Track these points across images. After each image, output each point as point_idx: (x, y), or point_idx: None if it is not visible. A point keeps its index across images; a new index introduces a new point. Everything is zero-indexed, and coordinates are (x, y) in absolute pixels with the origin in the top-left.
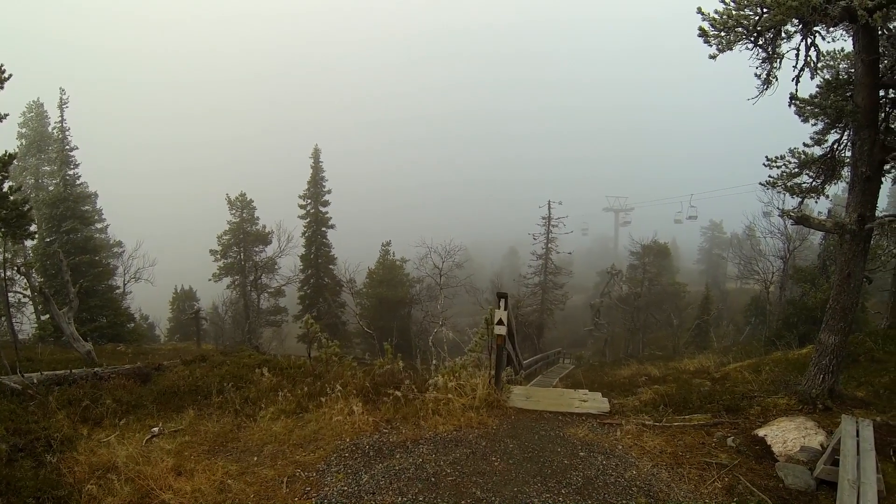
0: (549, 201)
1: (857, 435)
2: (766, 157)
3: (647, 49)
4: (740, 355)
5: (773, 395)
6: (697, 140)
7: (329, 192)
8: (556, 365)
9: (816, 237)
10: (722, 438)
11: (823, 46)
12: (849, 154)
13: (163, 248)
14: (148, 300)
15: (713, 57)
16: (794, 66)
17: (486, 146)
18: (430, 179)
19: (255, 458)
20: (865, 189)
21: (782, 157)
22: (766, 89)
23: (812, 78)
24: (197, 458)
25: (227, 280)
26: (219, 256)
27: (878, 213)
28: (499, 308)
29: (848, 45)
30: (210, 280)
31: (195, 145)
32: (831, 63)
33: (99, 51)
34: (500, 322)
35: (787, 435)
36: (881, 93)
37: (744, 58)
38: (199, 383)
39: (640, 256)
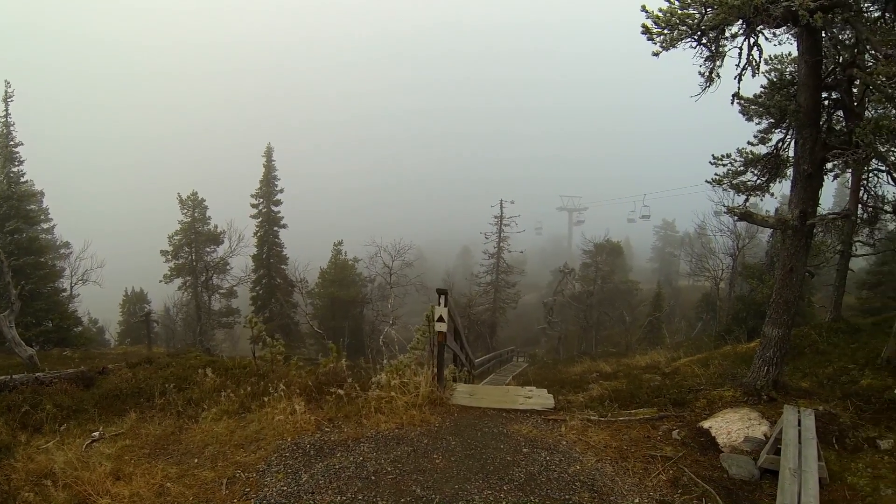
0: (501, 200)
1: (799, 424)
2: (713, 155)
3: (607, 50)
4: (691, 350)
5: (719, 387)
6: (654, 140)
7: (281, 191)
8: (510, 363)
9: (765, 235)
10: (667, 431)
11: (771, 50)
12: (792, 153)
13: (114, 248)
14: (97, 303)
15: (656, 54)
16: (738, 65)
17: (441, 146)
18: (386, 180)
19: (196, 460)
20: (807, 186)
21: (728, 156)
22: (709, 86)
23: (754, 76)
24: (137, 461)
25: (178, 281)
26: (170, 257)
27: (821, 211)
28: (439, 305)
29: (794, 50)
30: (161, 281)
31: (150, 140)
32: (778, 66)
33: (63, 38)
34: (441, 319)
35: (732, 426)
36: (823, 94)
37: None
38: (141, 385)
39: (592, 255)
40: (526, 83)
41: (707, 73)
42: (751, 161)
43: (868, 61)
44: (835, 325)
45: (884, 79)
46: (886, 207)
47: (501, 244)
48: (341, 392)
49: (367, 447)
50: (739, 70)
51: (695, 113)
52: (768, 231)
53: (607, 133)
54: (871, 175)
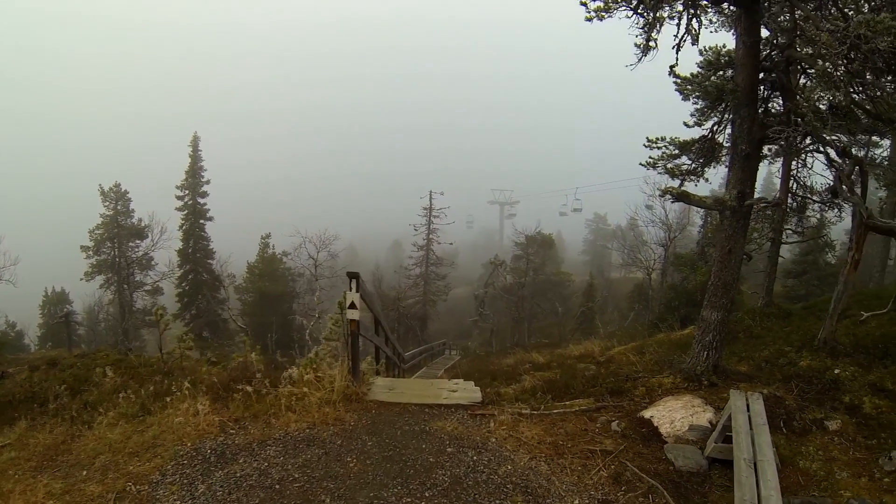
0: (431, 192)
1: (748, 410)
2: (647, 137)
3: (543, 49)
4: (625, 339)
5: (658, 374)
6: (587, 136)
7: (208, 182)
8: (442, 356)
9: (695, 227)
10: (606, 423)
11: (707, 39)
12: (727, 137)
13: (32, 243)
14: (16, 304)
15: (589, 19)
16: (676, 36)
17: (375, 140)
18: (317, 173)
19: (85, 472)
20: (745, 166)
21: (662, 139)
22: (645, 56)
23: (694, 44)
24: (19, 476)
25: (100, 279)
26: (91, 253)
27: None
28: (350, 290)
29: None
30: (82, 279)
31: (69, 124)
32: (712, 56)
33: None
34: (353, 306)
35: (675, 415)
36: (761, 75)
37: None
38: (35, 390)
39: (524, 247)
40: (457, 78)
41: (644, 43)
42: (685, 145)
43: (802, 49)
44: (767, 311)
45: (824, 51)
46: (815, 197)
47: (431, 236)
48: (249, 389)
49: (274, 451)
50: (678, 39)
51: (630, 110)
52: (699, 222)
53: (541, 128)
54: (801, 166)
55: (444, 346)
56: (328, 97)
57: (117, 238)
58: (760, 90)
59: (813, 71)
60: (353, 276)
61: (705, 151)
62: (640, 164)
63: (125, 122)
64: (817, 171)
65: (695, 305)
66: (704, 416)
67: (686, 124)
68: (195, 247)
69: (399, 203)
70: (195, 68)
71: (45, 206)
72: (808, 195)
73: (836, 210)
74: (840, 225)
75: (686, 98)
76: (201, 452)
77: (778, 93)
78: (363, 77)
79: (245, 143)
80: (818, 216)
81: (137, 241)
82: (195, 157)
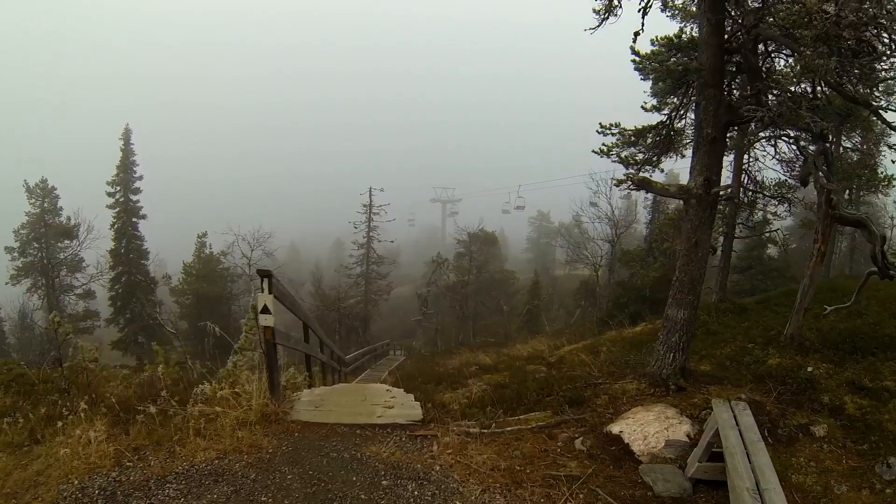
0: (371, 188)
1: (737, 423)
2: (600, 123)
3: (494, 44)
4: (574, 337)
5: (619, 379)
6: (531, 133)
7: (140, 178)
8: (386, 357)
9: (641, 225)
10: (569, 441)
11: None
12: (684, 124)
13: None
14: None
15: None
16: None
17: (314, 138)
18: (258, 172)
19: None
20: (711, 151)
21: (616, 125)
22: (607, 19)
23: (664, 11)
24: None
25: (27, 282)
26: (17, 254)
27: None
28: (262, 291)
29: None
30: (7, 283)
31: None
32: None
33: None
34: (266, 310)
35: (647, 429)
36: (725, 57)
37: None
38: None
39: (466, 244)
40: (398, 76)
41: (606, 3)
42: (641, 132)
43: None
44: (722, 306)
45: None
46: (766, 192)
47: (371, 234)
48: (154, 410)
49: (175, 489)
50: (645, 2)
51: (576, 108)
52: (644, 219)
53: (482, 125)
54: (752, 160)
55: (388, 346)
56: (268, 95)
57: (44, 238)
58: (726, 74)
59: (785, 51)
60: (264, 274)
61: (663, 139)
62: (594, 150)
63: (51, 110)
64: (769, 166)
65: (644, 301)
66: (681, 429)
67: (644, 108)
68: (128, 247)
69: (340, 202)
70: (137, 58)
71: None
72: (759, 189)
73: (786, 205)
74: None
75: (647, 77)
76: (88, 493)
77: (743, 74)
78: (306, 74)
79: (182, 140)
80: (762, 211)
81: (66, 241)
82: (127, 151)
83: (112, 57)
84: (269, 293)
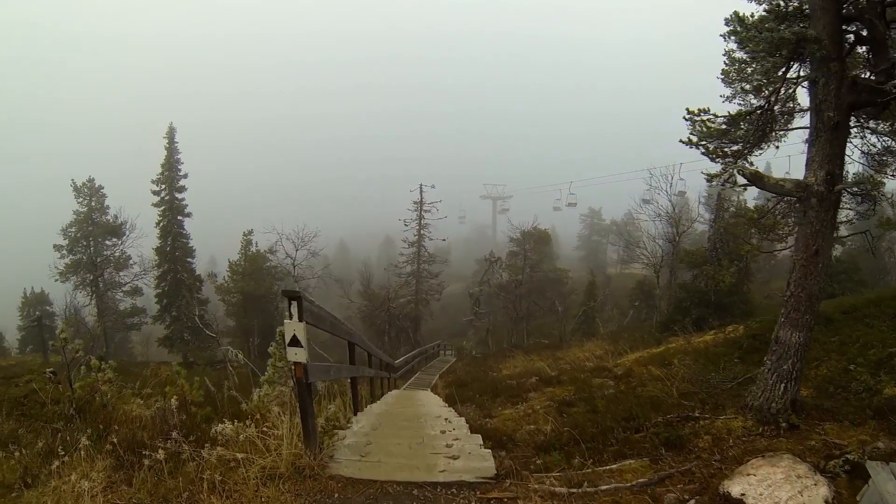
0: (421, 185)
1: None
2: (688, 109)
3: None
4: (633, 343)
5: (716, 410)
6: (581, 129)
7: (185, 176)
8: (437, 358)
9: (703, 224)
10: None
11: None
12: (788, 107)
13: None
14: None
15: None
16: None
17: (367, 140)
18: (309, 175)
19: None
20: (833, 139)
21: (706, 111)
22: None
23: None
24: None
25: (75, 279)
26: (65, 252)
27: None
28: (290, 317)
29: None
30: (56, 280)
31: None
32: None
33: None
34: (296, 342)
35: (778, 493)
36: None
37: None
38: None
39: (520, 243)
40: (453, 83)
41: None
42: (735, 118)
43: None
44: None
45: None
46: (849, 189)
47: (422, 231)
48: (162, 455)
49: None
50: None
51: (625, 101)
52: (708, 216)
53: (531, 121)
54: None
55: (438, 347)
56: (315, 103)
57: (92, 236)
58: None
59: None
60: (291, 296)
61: (757, 128)
62: (681, 140)
63: (103, 131)
64: (854, 159)
65: (708, 306)
66: (818, 494)
67: (743, 89)
68: (174, 244)
69: (391, 199)
70: (177, 79)
71: (27, 211)
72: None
73: (869, 203)
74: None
75: (750, 51)
76: None
77: (863, 47)
78: (353, 83)
79: (230, 147)
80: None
81: (113, 239)
82: (171, 150)
83: (160, 53)
84: (300, 320)
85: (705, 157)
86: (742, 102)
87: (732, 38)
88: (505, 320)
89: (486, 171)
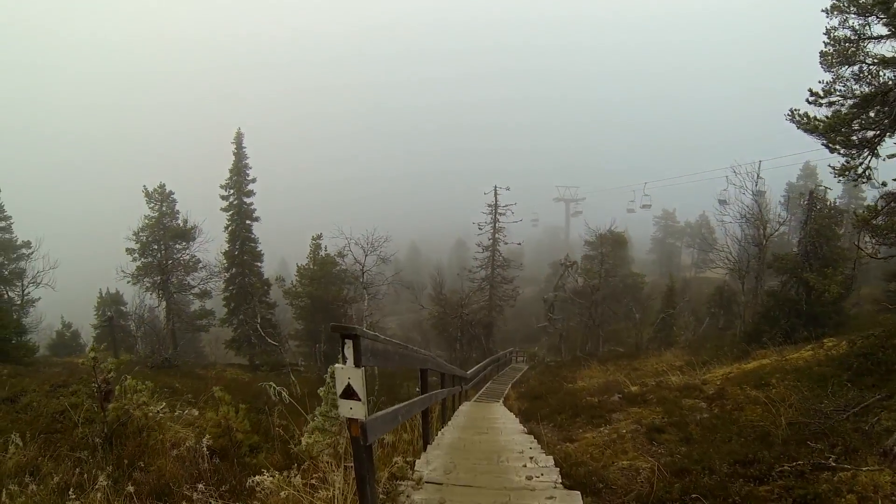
0: (496, 187)
1: None
2: (810, 90)
3: (606, 43)
4: (717, 355)
5: (851, 456)
6: (649, 131)
7: (253, 180)
8: (509, 366)
9: (788, 227)
10: None
11: None
12: None
13: (77, 247)
14: (71, 306)
15: None
16: None
17: (436, 136)
18: (379, 173)
19: None
20: None
21: (833, 92)
22: None
23: None
24: None
25: (147, 281)
26: (137, 255)
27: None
28: (342, 361)
29: None
30: (129, 282)
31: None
32: None
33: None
34: (350, 392)
35: None
36: None
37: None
38: None
39: (595, 246)
40: (521, 75)
41: None
42: (866, 99)
43: None
44: None
45: None
46: None
47: (497, 235)
48: None
49: None
50: None
51: (694, 101)
52: (800, 216)
53: (602, 124)
54: None
55: (510, 354)
56: (380, 100)
57: (163, 240)
58: None
59: None
60: (346, 334)
61: (891, 113)
62: (804, 128)
63: (169, 136)
64: None
65: (799, 317)
66: None
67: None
68: (242, 248)
69: (462, 200)
70: (238, 80)
71: (96, 213)
72: None
73: None
74: None
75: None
76: None
77: None
78: (417, 80)
79: (295, 148)
80: None
81: (183, 242)
82: (239, 155)
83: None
84: (357, 365)
85: (775, 156)
86: (843, 89)
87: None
88: (579, 326)
89: (559, 177)
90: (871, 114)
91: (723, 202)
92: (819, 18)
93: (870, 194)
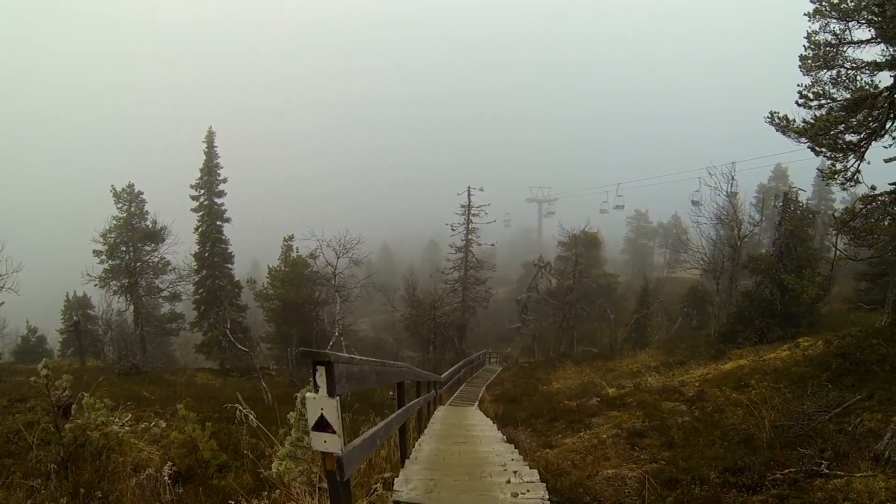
0: (469, 187)
1: None
2: (800, 93)
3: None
4: (692, 354)
5: (842, 460)
6: (621, 130)
7: (224, 180)
8: (483, 367)
9: (763, 228)
10: None
11: None
12: None
13: (42, 250)
14: (37, 310)
15: None
16: None
17: (410, 134)
18: (348, 170)
19: None
20: None
21: (822, 95)
22: None
23: None
24: None
25: (115, 284)
26: (104, 258)
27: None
28: (314, 390)
29: None
30: (96, 285)
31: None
32: None
33: None
34: (323, 424)
35: None
36: None
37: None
38: None
39: (569, 247)
40: (492, 68)
41: None
42: (855, 102)
43: None
44: None
45: None
46: None
47: (470, 236)
48: None
49: None
50: None
51: (669, 102)
52: (777, 215)
53: (576, 121)
54: None
55: (484, 356)
56: (350, 92)
57: (131, 242)
58: None
59: None
60: (318, 360)
61: (880, 116)
62: (792, 131)
63: (131, 123)
64: None
65: (774, 316)
66: None
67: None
68: (212, 250)
69: (435, 200)
70: (205, 68)
71: (63, 209)
72: None
73: None
74: None
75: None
76: None
77: None
78: (388, 71)
79: (262, 142)
80: None
81: (152, 244)
82: (210, 154)
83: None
84: (331, 394)
85: (749, 157)
86: (821, 94)
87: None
88: (552, 327)
89: (531, 177)
90: (860, 117)
91: (696, 203)
92: (787, 21)
93: (839, 196)
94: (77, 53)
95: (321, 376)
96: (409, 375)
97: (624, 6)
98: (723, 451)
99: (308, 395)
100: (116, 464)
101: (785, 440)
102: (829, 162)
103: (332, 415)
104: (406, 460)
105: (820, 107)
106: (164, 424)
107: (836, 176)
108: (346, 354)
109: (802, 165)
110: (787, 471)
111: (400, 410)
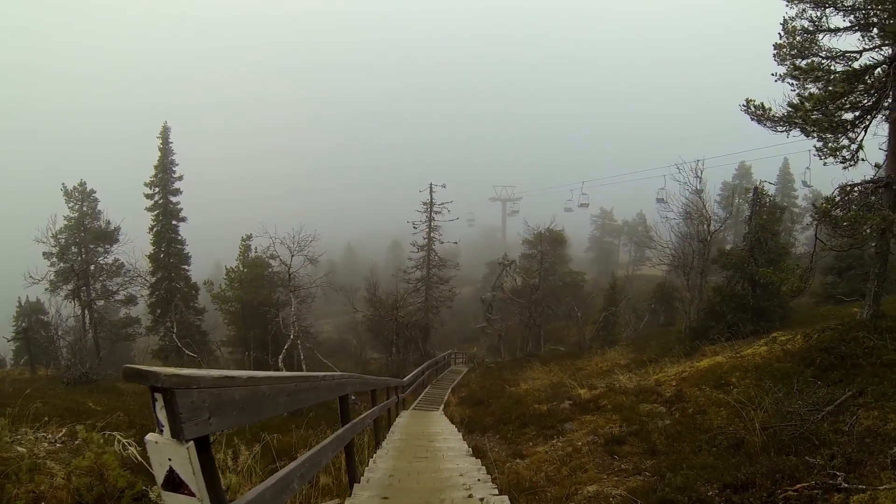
0: (431, 184)
1: None
2: (793, 64)
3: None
4: (661, 352)
5: (855, 469)
6: (586, 130)
7: (180, 178)
8: (448, 369)
9: (733, 224)
10: None
11: None
12: None
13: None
14: None
15: None
16: None
17: (370, 131)
18: (311, 168)
19: None
20: None
21: (817, 68)
22: None
23: None
24: None
25: (66, 288)
26: (55, 260)
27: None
28: (158, 431)
29: None
30: (47, 289)
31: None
32: None
33: None
34: (177, 483)
35: None
36: None
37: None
38: None
39: (534, 245)
40: (458, 67)
41: None
42: (853, 74)
43: None
44: (882, 324)
45: None
46: None
47: (432, 234)
48: None
49: None
50: None
51: (634, 102)
52: (747, 210)
53: (542, 119)
54: None
55: (449, 356)
56: (315, 91)
57: (83, 243)
58: None
59: None
60: (154, 386)
61: (878, 92)
62: (790, 104)
63: (88, 117)
64: None
65: (745, 310)
66: None
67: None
68: (168, 251)
69: (399, 202)
70: (168, 63)
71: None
72: None
73: None
74: None
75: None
76: None
77: None
78: (354, 71)
79: (222, 139)
80: None
81: (106, 245)
82: (165, 151)
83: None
84: (177, 438)
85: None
86: (815, 67)
87: None
88: (518, 326)
89: (494, 176)
90: (861, 88)
91: (661, 201)
92: (756, 21)
93: (801, 192)
94: (26, 33)
95: (161, 409)
96: (353, 386)
97: (590, 9)
98: (713, 458)
99: (149, 437)
100: (14, 493)
101: (779, 444)
102: (819, 143)
103: (187, 469)
104: (355, 485)
105: (817, 79)
106: (102, 440)
107: (836, 153)
108: (216, 372)
109: (767, 163)
110: (798, 486)
111: (340, 431)
